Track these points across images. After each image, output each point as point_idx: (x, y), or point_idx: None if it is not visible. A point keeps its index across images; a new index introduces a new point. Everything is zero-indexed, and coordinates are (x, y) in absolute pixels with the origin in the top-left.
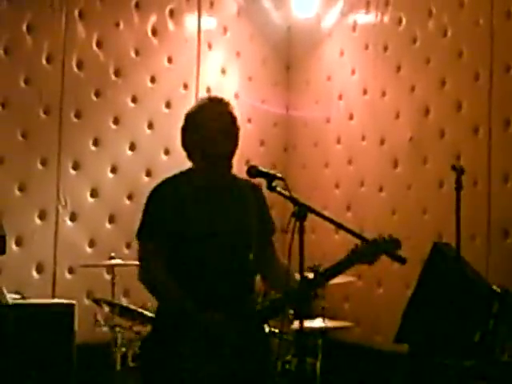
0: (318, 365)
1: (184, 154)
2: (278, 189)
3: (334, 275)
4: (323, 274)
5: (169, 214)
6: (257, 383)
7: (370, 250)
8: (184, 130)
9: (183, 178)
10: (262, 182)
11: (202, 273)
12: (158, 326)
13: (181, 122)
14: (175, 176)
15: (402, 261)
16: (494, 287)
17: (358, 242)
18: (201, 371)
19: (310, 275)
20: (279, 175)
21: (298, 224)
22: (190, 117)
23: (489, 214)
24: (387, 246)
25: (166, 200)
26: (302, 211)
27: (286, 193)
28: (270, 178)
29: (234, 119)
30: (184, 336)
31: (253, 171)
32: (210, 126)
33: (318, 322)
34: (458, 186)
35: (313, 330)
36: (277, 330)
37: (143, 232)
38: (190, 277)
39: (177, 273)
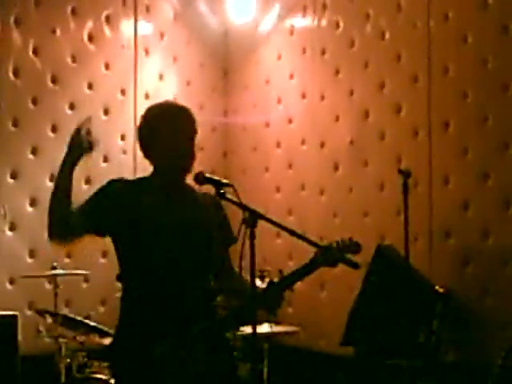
0: (265, 370)
1: (124, 160)
2: (228, 195)
3: (301, 278)
4: (283, 281)
5: (118, 205)
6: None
7: (330, 256)
8: (146, 135)
9: (140, 181)
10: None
11: (160, 271)
12: (125, 333)
13: (120, 128)
14: (133, 180)
15: (355, 266)
16: (437, 288)
17: (310, 248)
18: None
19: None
20: (227, 181)
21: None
22: (156, 119)
23: (430, 215)
24: (348, 249)
25: (116, 191)
26: (252, 218)
27: (236, 199)
28: (218, 184)
29: (194, 134)
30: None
31: (200, 178)
32: (177, 136)
33: (264, 327)
34: (405, 190)
35: (259, 336)
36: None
37: (81, 211)
38: (148, 277)
39: (133, 273)
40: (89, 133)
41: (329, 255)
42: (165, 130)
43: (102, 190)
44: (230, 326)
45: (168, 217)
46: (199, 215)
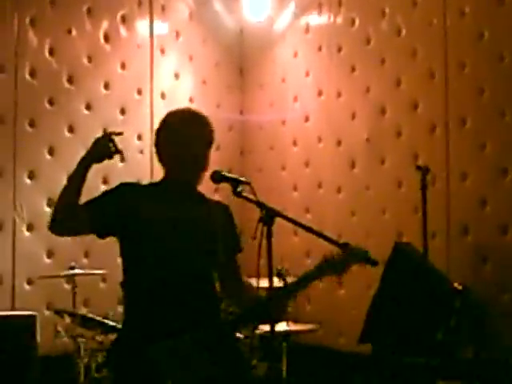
0: (284, 368)
1: (141, 160)
2: (244, 194)
3: (307, 284)
4: (296, 284)
5: (124, 208)
6: None
7: (342, 260)
8: (163, 140)
9: (151, 186)
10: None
11: (164, 275)
12: (127, 333)
13: (137, 128)
14: (145, 184)
15: (374, 263)
16: (455, 285)
17: (327, 245)
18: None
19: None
20: (244, 180)
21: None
22: (175, 127)
23: (448, 212)
24: (359, 255)
25: (127, 193)
26: (269, 216)
27: (253, 197)
28: (234, 182)
29: (211, 144)
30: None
31: (217, 176)
32: (194, 145)
33: (281, 326)
34: (424, 186)
35: (277, 334)
36: (241, 336)
37: (87, 205)
38: (152, 280)
39: (138, 276)
40: (113, 142)
41: (335, 265)
42: (182, 136)
43: (110, 191)
44: (231, 331)
45: (172, 221)
46: (205, 220)
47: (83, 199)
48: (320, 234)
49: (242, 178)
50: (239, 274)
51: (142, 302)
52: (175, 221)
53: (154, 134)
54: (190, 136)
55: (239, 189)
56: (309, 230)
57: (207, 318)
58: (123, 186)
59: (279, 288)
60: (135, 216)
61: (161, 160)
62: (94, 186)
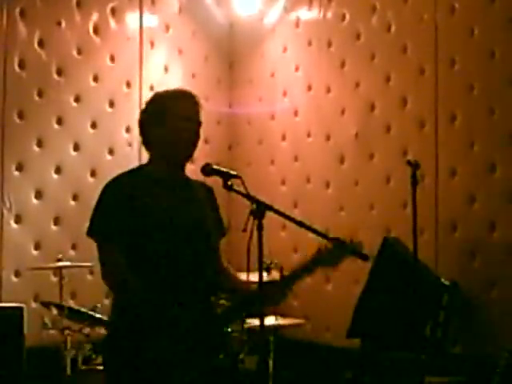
0: (271, 362)
1: (129, 152)
2: (235, 187)
3: (301, 277)
4: (290, 276)
5: (124, 208)
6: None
7: (336, 252)
8: (150, 120)
9: (138, 173)
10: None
11: (163, 266)
12: (120, 325)
13: (125, 121)
14: (130, 171)
15: (365, 257)
16: (443, 280)
17: (315, 240)
18: (169, 367)
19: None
20: (234, 173)
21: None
22: (159, 108)
23: (436, 207)
24: (353, 248)
25: (121, 194)
26: (260, 209)
27: (243, 191)
28: (225, 176)
29: (200, 121)
30: (150, 332)
31: (207, 169)
32: (180, 125)
33: (269, 320)
34: (414, 182)
35: (264, 328)
36: (229, 329)
37: (98, 229)
38: (152, 271)
39: (137, 266)
40: None
41: (329, 256)
42: (169, 114)
43: (105, 196)
44: (226, 322)
45: (170, 210)
46: (199, 208)
47: (73, 192)
48: (311, 229)
49: (232, 172)
50: (222, 259)
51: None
52: (171, 210)
53: (140, 115)
54: (176, 109)
55: (230, 182)
56: (300, 224)
57: (203, 309)
58: (114, 183)
59: (275, 280)
60: (137, 209)
61: (147, 142)
62: (82, 179)
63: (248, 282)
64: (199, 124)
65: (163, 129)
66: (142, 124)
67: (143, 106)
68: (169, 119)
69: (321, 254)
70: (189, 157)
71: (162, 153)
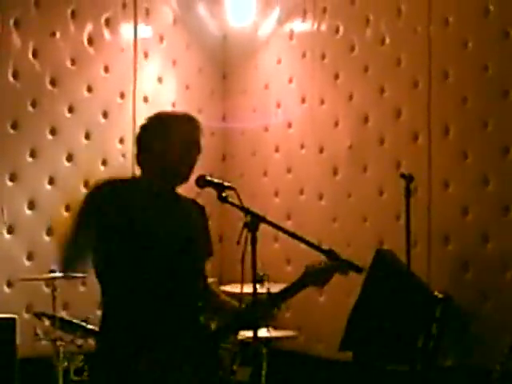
0: (264, 374)
1: (123, 163)
2: (230, 199)
3: (290, 296)
4: (279, 295)
5: (113, 219)
6: None
7: (323, 273)
8: (151, 135)
9: (132, 184)
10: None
11: (149, 282)
12: (107, 339)
13: (119, 132)
14: (123, 180)
15: (359, 270)
16: (436, 293)
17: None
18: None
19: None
20: (229, 184)
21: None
22: (162, 125)
23: (429, 220)
24: (343, 267)
25: (110, 203)
26: (254, 221)
27: (238, 203)
28: (220, 187)
29: (201, 149)
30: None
31: (202, 181)
32: (181, 145)
33: (262, 332)
34: (407, 194)
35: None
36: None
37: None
38: (138, 287)
39: (124, 282)
40: None
41: (317, 277)
42: (174, 133)
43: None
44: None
45: (158, 227)
46: (189, 227)
47: (66, 202)
48: (304, 241)
49: (227, 184)
50: (206, 278)
51: (124, 309)
52: (159, 226)
53: (139, 130)
54: (185, 132)
55: (224, 194)
56: (294, 236)
57: (190, 326)
58: (97, 195)
59: (263, 298)
60: (120, 220)
61: (144, 158)
62: (76, 188)
63: (231, 302)
64: (200, 152)
65: (166, 145)
66: (143, 136)
67: (145, 120)
68: (173, 137)
69: (308, 276)
70: (185, 179)
71: (159, 168)
